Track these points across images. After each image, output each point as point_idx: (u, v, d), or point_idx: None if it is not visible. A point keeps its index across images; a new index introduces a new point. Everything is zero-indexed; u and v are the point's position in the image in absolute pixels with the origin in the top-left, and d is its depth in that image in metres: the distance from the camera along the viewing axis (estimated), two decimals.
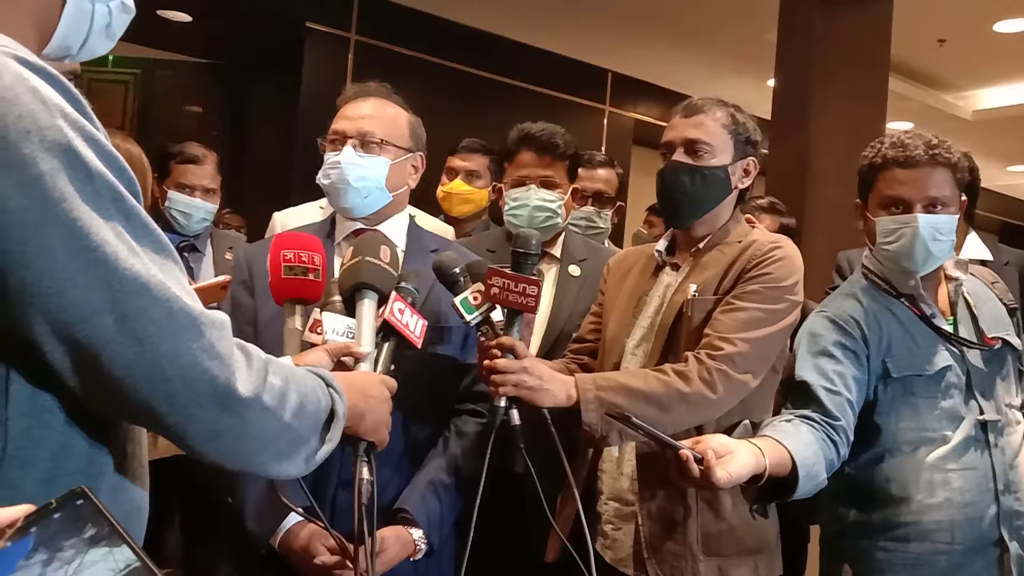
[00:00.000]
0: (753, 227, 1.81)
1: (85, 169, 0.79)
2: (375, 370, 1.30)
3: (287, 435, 0.94)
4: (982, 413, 1.71)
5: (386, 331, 1.35)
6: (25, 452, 0.81)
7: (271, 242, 1.41)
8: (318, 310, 1.37)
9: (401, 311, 1.36)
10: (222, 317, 0.88)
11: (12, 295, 0.77)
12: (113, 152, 0.83)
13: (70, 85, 0.82)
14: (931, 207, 1.69)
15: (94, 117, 0.83)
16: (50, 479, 0.82)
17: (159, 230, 0.86)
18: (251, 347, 0.92)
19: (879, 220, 1.72)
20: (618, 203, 2.93)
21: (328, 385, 1.04)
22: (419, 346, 1.40)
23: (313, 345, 1.32)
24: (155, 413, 0.82)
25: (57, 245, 0.76)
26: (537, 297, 1.46)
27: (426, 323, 1.42)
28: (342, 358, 1.26)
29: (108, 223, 0.79)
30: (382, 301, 1.36)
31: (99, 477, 0.87)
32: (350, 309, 1.36)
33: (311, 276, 1.36)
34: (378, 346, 1.33)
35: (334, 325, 1.32)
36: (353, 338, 1.32)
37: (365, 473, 1.21)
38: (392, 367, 1.33)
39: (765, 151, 1.76)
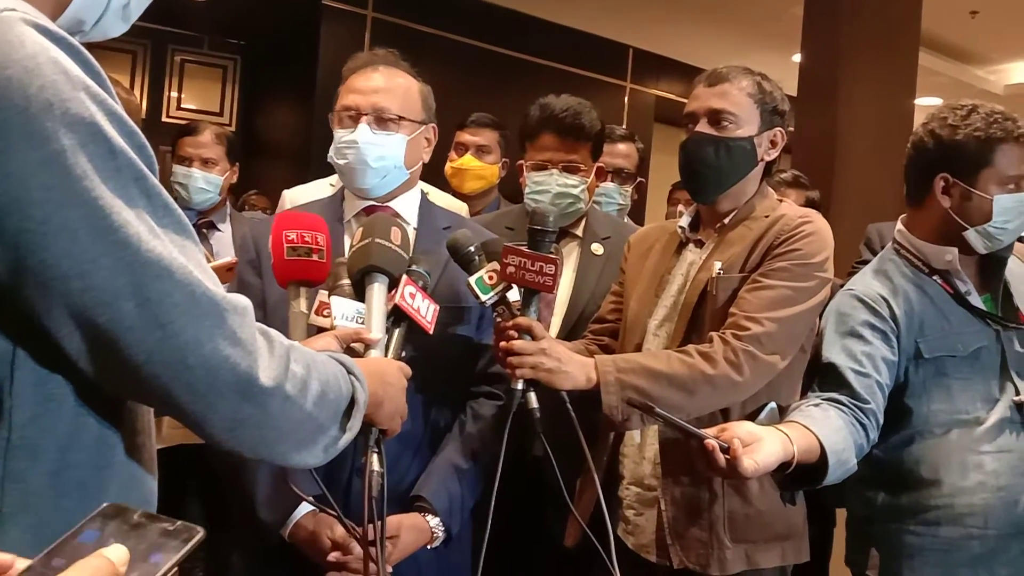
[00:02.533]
0: (781, 201, 1.75)
1: (107, 145, 0.75)
2: (385, 356, 1.26)
3: (308, 424, 0.91)
4: (1018, 394, 1.64)
5: (397, 316, 1.31)
6: (32, 442, 0.78)
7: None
8: (325, 292, 1.33)
9: (412, 295, 1.32)
10: (244, 302, 0.85)
11: (30, 277, 0.73)
12: (134, 128, 0.79)
13: (90, 57, 0.78)
14: None
15: (113, 91, 0.79)
16: (58, 471, 0.79)
17: (179, 210, 0.82)
18: (273, 333, 0.89)
19: (999, 198, 1.64)
20: (638, 179, 2.87)
21: (349, 372, 1.01)
22: (431, 331, 1.36)
23: (320, 328, 1.28)
24: (175, 401, 0.80)
25: (79, 225, 0.72)
26: (555, 276, 1.41)
27: (438, 307, 1.38)
28: (351, 344, 1.22)
29: (129, 202, 0.76)
30: (393, 284, 1.32)
31: (108, 469, 0.83)
32: (359, 292, 1.31)
33: (315, 257, 1.32)
34: (388, 331, 1.29)
35: (343, 310, 1.28)
36: (363, 323, 1.27)
37: (375, 464, 1.17)
38: (403, 353, 1.29)
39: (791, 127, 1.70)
